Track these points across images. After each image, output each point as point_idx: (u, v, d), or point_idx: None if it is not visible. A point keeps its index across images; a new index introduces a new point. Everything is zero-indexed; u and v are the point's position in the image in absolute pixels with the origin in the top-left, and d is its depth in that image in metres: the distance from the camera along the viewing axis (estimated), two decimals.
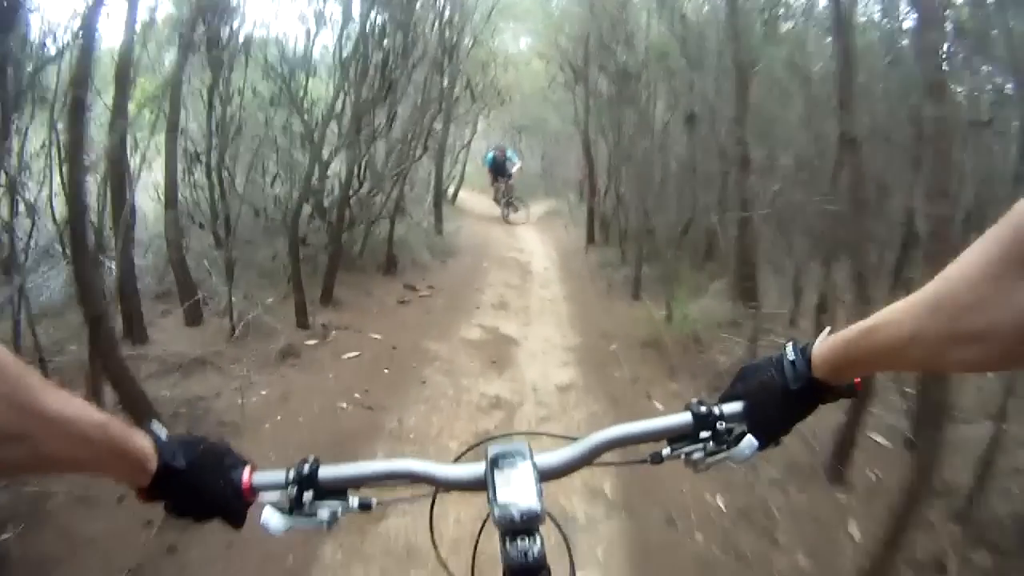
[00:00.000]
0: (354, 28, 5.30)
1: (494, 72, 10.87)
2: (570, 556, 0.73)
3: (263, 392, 3.65)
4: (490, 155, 12.44)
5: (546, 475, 0.70)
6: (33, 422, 0.50)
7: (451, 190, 12.48)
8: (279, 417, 3.39)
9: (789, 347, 0.69)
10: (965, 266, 0.49)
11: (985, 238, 0.48)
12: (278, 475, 0.69)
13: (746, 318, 4.49)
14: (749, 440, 0.68)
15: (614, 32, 7.30)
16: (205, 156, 5.15)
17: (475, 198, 13.76)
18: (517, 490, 0.66)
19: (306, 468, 0.69)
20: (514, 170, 12.14)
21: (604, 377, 4.18)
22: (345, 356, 4.27)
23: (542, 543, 0.64)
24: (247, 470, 0.69)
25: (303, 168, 5.19)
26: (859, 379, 0.67)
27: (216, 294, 4.67)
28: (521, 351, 4.68)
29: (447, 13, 7.19)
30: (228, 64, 4.99)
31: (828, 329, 0.67)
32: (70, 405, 0.54)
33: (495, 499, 0.66)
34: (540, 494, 0.66)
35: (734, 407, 0.71)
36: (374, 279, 6.29)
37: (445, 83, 8.06)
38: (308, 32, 5.37)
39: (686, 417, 0.71)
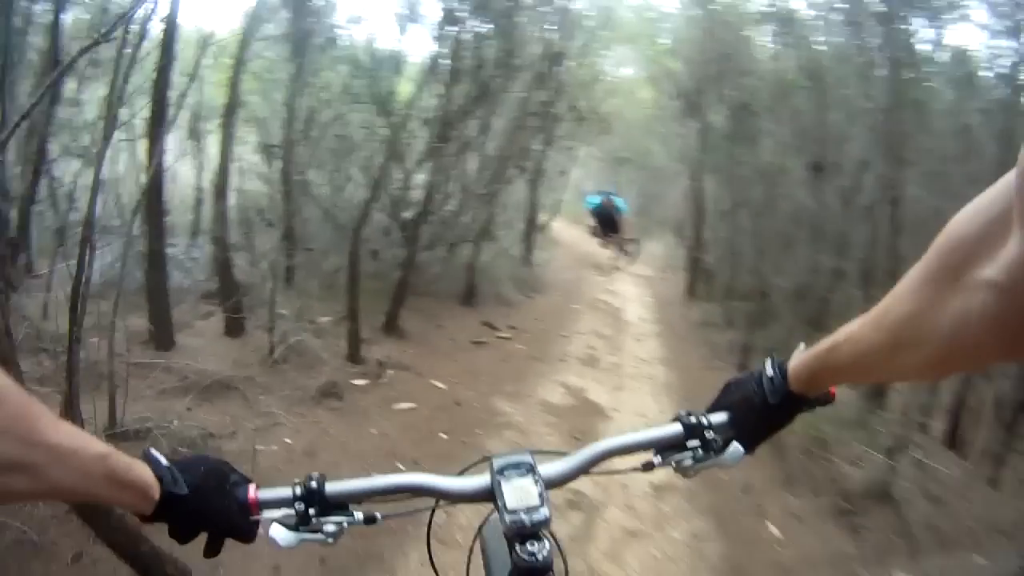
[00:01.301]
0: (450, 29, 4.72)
1: (599, 95, 9.97)
2: (564, 562, 0.74)
3: (288, 440, 2.93)
4: (596, 201, 10.94)
5: (549, 483, 0.72)
6: (36, 453, 0.50)
7: (544, 218, 11.52)
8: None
9: (768, 363, 0.72)
10: (907, 279, 0.51)
11: (926, 252, 0.49)
12: (284, 491, 0.68)
13: (874, 419, 3.59)
14: (735, 447, 0.71)
15: (734, 61, 6.37)
16: (280, 149, 4.60)
17: (570, 229, 12.75)
18: (525, 497, 0.68)
19: (313, 484, 0.68)
20: (626, 225, 10.77)
21: (707, 480, 3.13)
22: (397, 406, 3.48)
23: (549, 546, 0.68)
24: (252, 487, 0.68)
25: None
26: (833, 388, 0.71)
27: (265, 303, 4.00)
28: (610, 427, 3.73)
29: (552, 24, 6.47)
30: (314, 55, 4.50)
31: (803, 345, 0.70)
32: (71, 437, 0.53)
33: (504, 507, 0.68)
34: (547, 500, 0.68)
35: (720, 417, 0.74)
36: (449, 310, 5.52)
37: (546, 97, 7.36)
38: (401, 28, 4.85)
39: (676, 427, 0.73)
